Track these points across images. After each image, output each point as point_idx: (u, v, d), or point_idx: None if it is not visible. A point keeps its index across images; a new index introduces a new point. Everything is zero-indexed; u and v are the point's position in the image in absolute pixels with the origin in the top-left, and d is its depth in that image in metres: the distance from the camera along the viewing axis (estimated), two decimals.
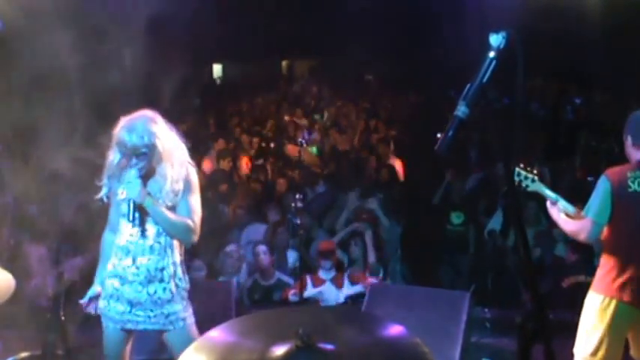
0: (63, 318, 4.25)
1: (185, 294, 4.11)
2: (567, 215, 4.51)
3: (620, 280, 4.26)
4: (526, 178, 4.58)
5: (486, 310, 6.07)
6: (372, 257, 7.15)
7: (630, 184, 4.25)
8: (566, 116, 13.99)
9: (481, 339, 5.71)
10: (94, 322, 4.19)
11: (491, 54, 2.47)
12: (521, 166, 4.61)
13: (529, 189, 4.60)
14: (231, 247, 7.14)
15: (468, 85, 2.47)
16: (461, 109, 2.45)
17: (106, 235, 4.24)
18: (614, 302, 4.26)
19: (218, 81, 23.49)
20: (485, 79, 2.45)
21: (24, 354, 4.57)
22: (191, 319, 4.11)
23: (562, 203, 4.53)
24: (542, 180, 4.67)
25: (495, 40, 2.47)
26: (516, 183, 4.59)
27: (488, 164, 9.28)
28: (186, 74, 20.75)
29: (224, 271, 7.05)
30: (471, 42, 4.37)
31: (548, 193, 4.58)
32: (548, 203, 4.58)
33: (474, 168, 9.84)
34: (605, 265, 4.37)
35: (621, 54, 13.30)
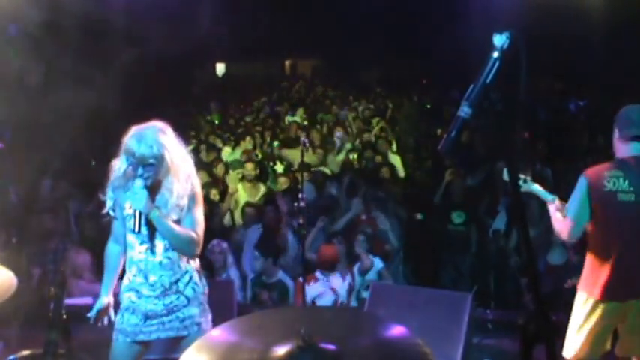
0: (65, 316, 4.23)
1: (203, 298, 4.07)
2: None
3: (602, 278, 4.28)
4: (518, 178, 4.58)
5: (488, 310, 6.07)
6: (367, 261, 7.10)
7: (606, 183, 4.27)
8: (568, 117, 13.97)
9: (483, 340, 5.70)
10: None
11: (495, 54, 2.46)
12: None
13: (522, 190, 4.60)
14: (212, 243, 7.15)
15: (472, 86, 2.47)
16: (464, 110, 2.45)
17: (110, 246, 4.21)
18: (596, 301, 4.29)
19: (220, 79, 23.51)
20: (488, 80, 2.45)
21: (25, 352, 4.56)
22: (207, 326, 4.05)
23: (557, 203, 4.54)
24: (541, 180, 4.69)
25: (499, 40, 2.46)
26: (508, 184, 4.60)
27: (490, 163, 9.26)
28: (190, 73, 20.90)
29: (212, 268, 7.07)
30: (473, 42, 4.37)
31: (541, 192, 4.61)
32: (549, 204, 4.60)
33: (476, 167, 9.81)
34: (588, 264, 4.41)
35: (622, 55, 13.29)
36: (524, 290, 6.75)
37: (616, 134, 4.40)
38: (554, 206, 4.56)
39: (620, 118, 4.41)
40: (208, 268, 7.05)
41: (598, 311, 4.29)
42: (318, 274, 6.93)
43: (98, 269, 6.88)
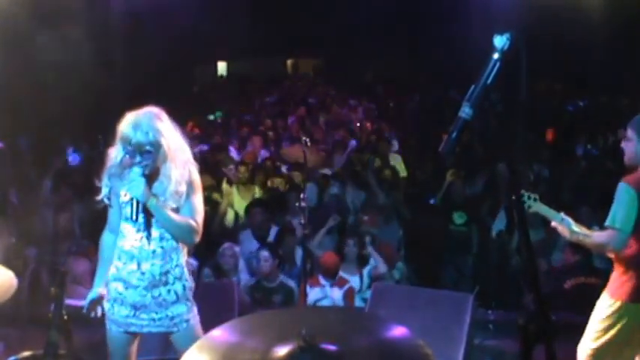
0: (65, 317, 4.23)
1: (190, 294, 4.06)
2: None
3: (637, 283, 4.24)
4: (528, 198, 4.55)
5: (490, 311, 6.05)
6: (382, 267, 7.09)
7: None
8: (569, 118, 13.97)
9: (484, 341, 5.68)
10: (97, 321, 4.17)
11: (496, 55, 2.47)
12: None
13: (531, 209, 4.57)
14: (224, 246, 7.12)
15: (472, 87, 2.47)
16: (465, 111, 2.45)
17: (105, 236, 4.15)
18: (630, 305, 4.24)
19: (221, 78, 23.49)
20: (489, 81, 2.45)
21: (26, 353, 4.56)
22: (195, 320, 4.06)
23: (567, 220, 4.48)
24: (539, 180, 4.65)
25: (499, 41, 2.47)
26: None
27: (492, 164, 9.25)
28: (192, 72, 20.89)
29: (222, 271, 7.04)
30: (474, 43, 4.37)
31: (550, 212, 4.53)
32: (553, 223, 4.53)
33: (475, 173, 9.79)
34: (626, 271, 4.32)
35: (622, 56, 13.30)
36: (525, 291, 6.73)
37: None
38: (564, 226, 4.49)
39: None
40: (217, 271, 7.05)
41: (635, 315, 4.24)
42: (320, 278, 6.91)
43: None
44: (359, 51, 19.49)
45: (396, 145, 12.26)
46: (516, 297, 6.93)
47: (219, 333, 2.28)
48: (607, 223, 4.31)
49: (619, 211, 4.25)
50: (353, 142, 12.43)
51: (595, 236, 4.42)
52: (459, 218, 8.29)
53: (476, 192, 9.27)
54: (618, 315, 4.27)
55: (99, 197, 4.03)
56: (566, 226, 4.47)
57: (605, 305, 4.35)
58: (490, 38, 2.50)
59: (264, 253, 6.88)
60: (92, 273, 5.78)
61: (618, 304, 4.29)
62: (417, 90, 17.60)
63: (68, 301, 4.42)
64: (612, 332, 4.28)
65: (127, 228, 3.93)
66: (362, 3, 16.60)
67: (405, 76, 19.36)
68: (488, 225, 8.30)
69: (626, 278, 4.28)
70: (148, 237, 3.89)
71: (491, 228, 8.15)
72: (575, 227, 4.46)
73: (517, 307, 6.58)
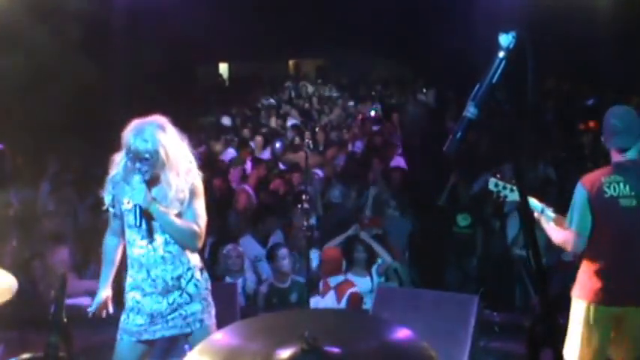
0: (65, 319, 4.23)
1: (206, 293, 4.09)
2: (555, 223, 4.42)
3: (601, 284, 4.21)
4: (504, 188, 4.51)
5: (495, 313, 6.01)
6: (388, 259, 7.09)
7: (606, 189, 4.22)
8: (577, 117, 13.89)
9: (489, 343, 5.65)
10: (96, 324, 4.17)
11: (501, 54, 2.44)
12: (498, 176, 4.55)
13: (508, 199, 4.54)
14: (227, 248, 7.11)
15: (477, 86, 2.44)
16: (470, 110, 2.42)
17: (108, 240, 4.23)
18: (596, 307, 4.22)
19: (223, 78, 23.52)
20: (494, 80, 2.43)
21: (26, 355, 4.56)
22: (211, 321, 4.08)
23: (546, 212, 4.43)
24: (546, 180, 4.61)
25: (505, 40, 2.45)
26: (494, 194, 4.54)
27: (497, 165, 9.21)
28: (193, 73, 20.86)
29: (228, 273, 7.03)
30: (479, 42, 4.33)
31: (531, 203, 4.41)
32: (535, 214, 4.46)
33: (483, 169, 9.73)
34: (587, 270, 4.32)
35: (633, 55, 13.24)
36: (531, 293, 6.69)
37: (606, 141, 4.35)
38: (543, 217, 4.44)
39: (606, 125, 4.36)
40: (223, 273, 7.04)
41: (603, 317, 4.21)
42: (329, 281, 6.86)
43: (84, 265, 6.90)
44: (361, 51, 19.46)
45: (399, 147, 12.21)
46: (522, 298, 6.89)
47: (220, 336, 2.27)
48: (566, 222, 4.33)
49: (574, 213, 4.29)
50: (359, 144, 12.40)
51: (557, 233, 4.38)
52: (463, 220, 8.22)
53: (480, 193, 9.22)
54: (591, 317, 4.22)
55: (103, 207, 4.13)
56: (544, 217, 4.42)
57: (579, 309, 4.30)
58: (495, 37, 2.47)
59: (283, 251, 6.86)
60: (71, 262, 5.75)
61: (586, 304, 4.25)
62: (421, 90, 17.57)
63: (68, 301, 4.42)
64: (588, 335, 4.23)
65: (133, 235, 3.99)
66: (363, 2, 16.56)
67: (410, 76, 19.33)
68: (492, 226, 8.25)
69: (594, 280, 4.25)
70: (152, 242, 3.94)
71: (499, 234, 8.07)
72: (551, 220, 4.40)
73: (523, 309, 6.54)
